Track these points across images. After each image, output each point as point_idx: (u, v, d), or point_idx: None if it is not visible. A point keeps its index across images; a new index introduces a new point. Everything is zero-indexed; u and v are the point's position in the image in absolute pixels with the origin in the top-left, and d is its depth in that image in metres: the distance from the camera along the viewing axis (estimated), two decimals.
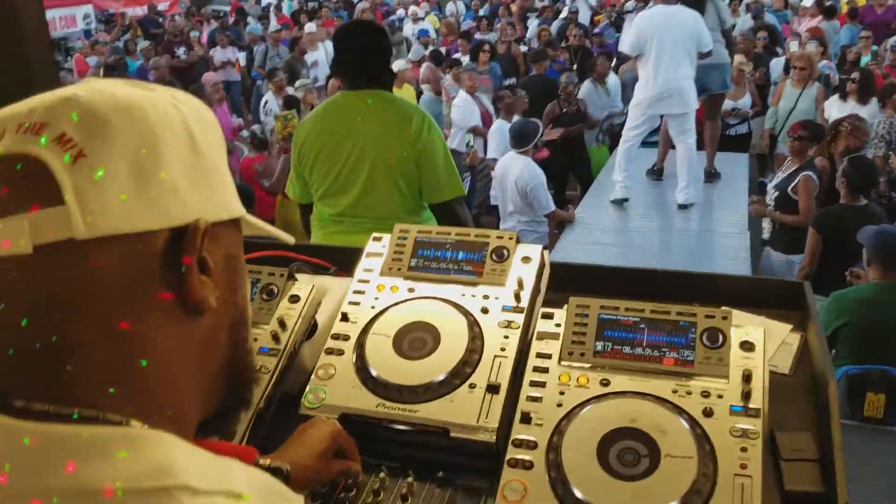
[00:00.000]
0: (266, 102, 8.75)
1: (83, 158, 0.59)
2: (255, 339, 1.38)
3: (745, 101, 8.12)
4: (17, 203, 0.59)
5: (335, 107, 3.05)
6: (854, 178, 4.64)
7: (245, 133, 7.77)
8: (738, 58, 7.99)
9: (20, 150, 0.60)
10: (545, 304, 1.47)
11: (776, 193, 5.40)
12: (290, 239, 0.87)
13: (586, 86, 8.34)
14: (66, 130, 0.60)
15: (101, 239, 0.59)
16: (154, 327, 0.63)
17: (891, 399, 3.36)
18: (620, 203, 6.69)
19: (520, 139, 5.87)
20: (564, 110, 7.84)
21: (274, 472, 0.98)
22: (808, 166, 5.30)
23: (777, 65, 9.24)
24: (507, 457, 1.17)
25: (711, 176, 7.16)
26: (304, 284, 1.47)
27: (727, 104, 7.92)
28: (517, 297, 1.40)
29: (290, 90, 8.54)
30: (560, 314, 1.34)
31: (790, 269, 5.37)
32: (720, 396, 1.18)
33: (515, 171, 5.78)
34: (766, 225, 5.58)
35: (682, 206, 6.53)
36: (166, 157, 0.64)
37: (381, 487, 1.25)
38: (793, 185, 5.25)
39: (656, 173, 7.38)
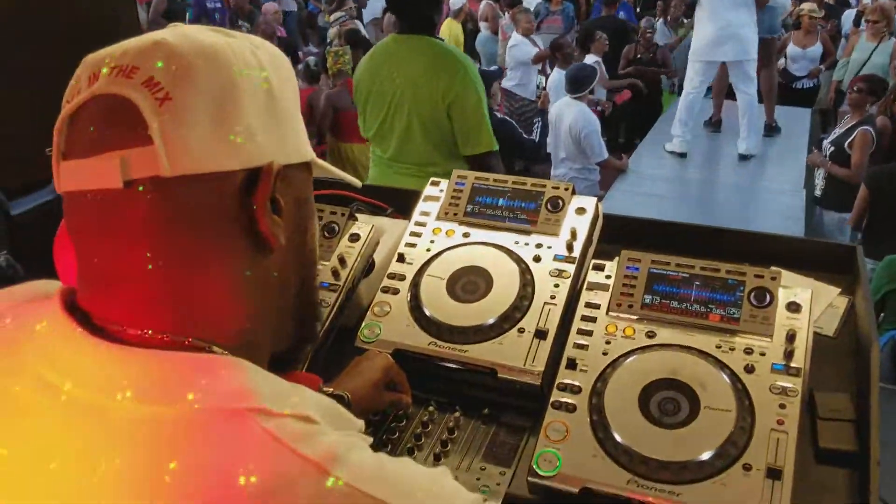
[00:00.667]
0: (330, 35, 8.77)
1: (169, 102, 0.64)
2: (316, 275, 1.45)
3: (815, 51, 7.85)
4: (110, 141, 0.63)
5: (383, 49, 3.03)
6: None
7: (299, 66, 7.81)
8: (808, 4, 7.70)
9: (113, 91, 0.64)
10: (596, 255, 1.51)
11: (832, 149, 5.29)
12: (356, 182, 0.92)
13: (659, 28, 8.17)
14: (155, 74, 0.64)
15: (183, 177, 0.64)
16: (231, 262, 0.69)
17: None
18: (677, 155, 6.61)
19: (575, 84, 5.81)
20: (639, 55, 7.69)
21: (336, 398, 1.05)
22: (866, 121, 5.17)
23: (848, 18, 8.90)
24: (552, 399, 1.22)
25: (771, 130, 7.00)
26: (364, 224, 1.53)
27: (796, 51, 7.68)
28: (569, 248, 1.44)
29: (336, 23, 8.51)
30: (611, 266, 1.37)
31: (841, 229, 5.29)
32: (763, 354, 1.21)
33: (570, 117, 5.73)
34: (819, 182, 5.49)
35: (743, 157, 6.44)
36: (244, 101, 0.68)
37: (430, 420, 1.32)
38: (849, 140, 5.14)
39: (714, 125, 7.25)
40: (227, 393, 0.62)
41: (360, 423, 0.72)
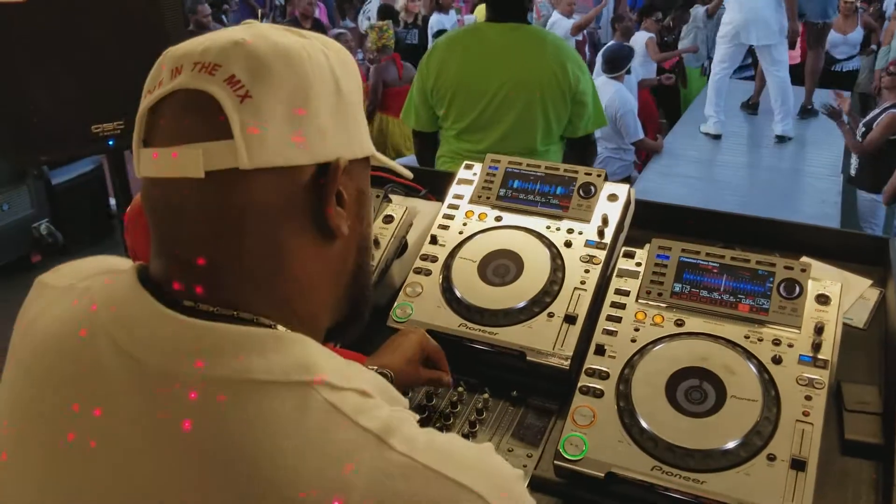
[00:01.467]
0: (367, 10, 8.76)
1: (249, 100, 0.68)
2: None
3: (856, 36, 7.70)
4: (193, 133, 0.68)
5: (477, 39, 2.87)
6: None
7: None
8: None
9: (197, 87, 0.68)
10: (627, 240, 1.52)
11: (863, 129, 5.21)
12: (408, 174, 0.97)
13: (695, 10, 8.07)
14: (236, 73, 0.68)
15: (259, 170, 0.68)
16: (297, 247, 0.73)
17: None
18: (712, 136, 6.55)
19: (612, 64, 5.77)
20: (664, 38, 7.61)
21: (381, 375, 1.09)
22: None
23: (892, 1, 8.70)
24: (580, 384, 1.25)
25: (807, 112, 6.91)
26: (398, 206, 1.55)
27: (836, 37, 7.54)
28: (601, 234, 1.46)
29: None
30: (641, 254, 1.39)
31: (874, 210, 5.22)
32: (790, 346, 1.22)
33: (606, 97, 5.68)
34: (854, 161, 5.41)
35: (780, 139, 6.37)
36: (316, 100, 0.72)
37: (459, 400, 1.35)
38: (878, 120, 5.07)
39: (751, 107, 7.16)
40: (293, 366, 0.67)
41: (406, 401, 0.77)
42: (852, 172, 5.46)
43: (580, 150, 2.94)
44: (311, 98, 0.72)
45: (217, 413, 0.64)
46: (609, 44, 6.49)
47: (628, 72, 5.89)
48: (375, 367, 1.13)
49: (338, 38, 6.86)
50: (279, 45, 0.71)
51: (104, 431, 0.67)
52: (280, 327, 0.72)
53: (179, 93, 0.69)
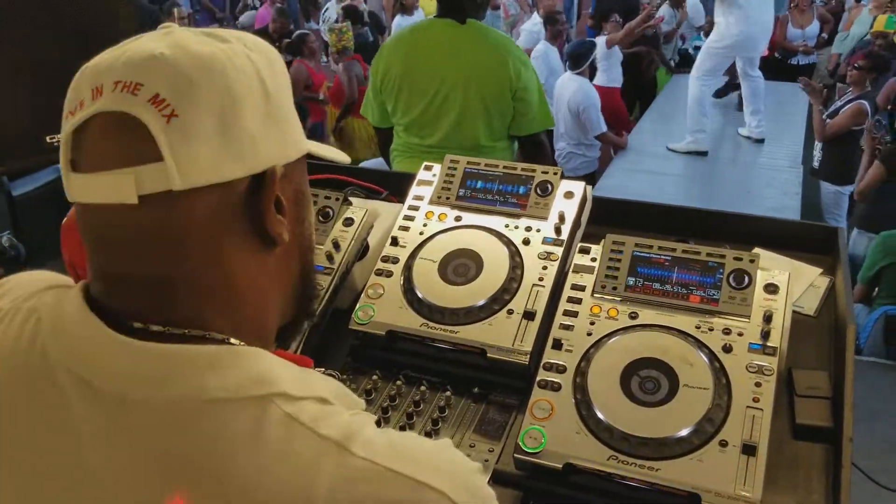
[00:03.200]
0: (327, 10, 8.75)
1: (175, 118, 0.67)
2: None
3: (813, 29, 7.84)
4: (122, 157, 0.67)
5: (424, 35, 2.94)
6: None
7: None
8: None
9: (121, 109, 0.67)
10: (585, 237, 1.55)
11: (828, 122, 5.32)
12: (345, 159, 0.94)
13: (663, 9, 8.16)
14: (160, 91, 0.67)
15: (193, 189, 0.68)
16: (240, 259, 0.73)
17: None
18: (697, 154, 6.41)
19: (575, 59, 5.84)
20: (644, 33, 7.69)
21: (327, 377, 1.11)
22: (865, 96, 5.19)
23: None
24: (538, 378, 1.27)
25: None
26: (358, 209, 1.57)
27: (794, 33, 7.67)
28: (558, 231, 1.48)
29: None
30: (596, 249, 1.42)
31: (838, 202, 5.33)
32: (740, 334, 1.26)
33: (570, 92, 5.76)
34: (817, 154, 5.52)
35: (758, 141, 6.40)
36: (244, 109, 0.71)
37: (422, 399, 1.37)
38: (844, 109, 5.19)
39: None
40: (249, 381, 0.68)
41: (362, 401, 0.79)
42: (815, 164, 5.57)
43: (529, 150, 2.96)
44: (239, 108, 0.70)
45: (177, 435, 0.65)
46: (574, 40, 6.55)
47: (592, 66, 5.95)
48: (322, 370, 1.14)
49: (302, 39, 6.86)
50: (200, 56, 0.70)
51: (63, 457, 0.68)
52: (233, 340, 0.72)
53: (103, 115, 0.67)
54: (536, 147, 2.97)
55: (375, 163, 4.68)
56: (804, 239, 1.69)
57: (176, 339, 0.70)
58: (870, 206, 4.70)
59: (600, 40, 6.82)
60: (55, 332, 0.72)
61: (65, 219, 1.33)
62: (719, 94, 7.25)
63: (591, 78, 6.45)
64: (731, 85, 7.02)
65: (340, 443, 0.66)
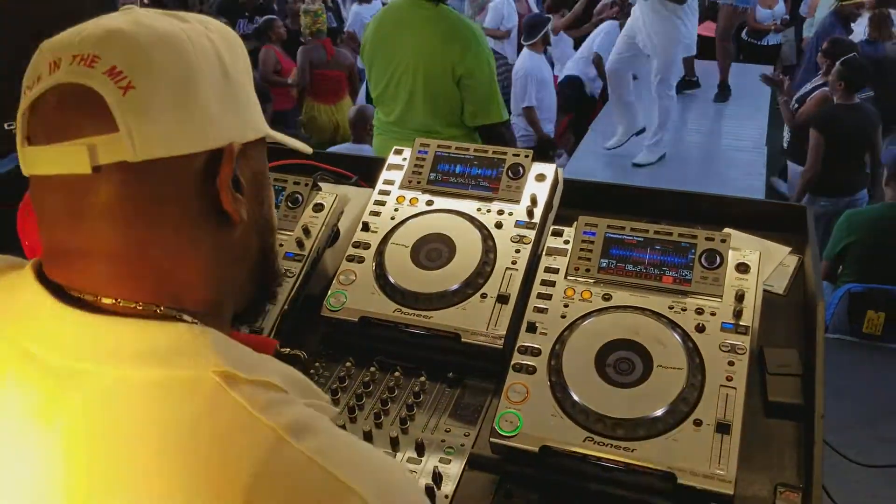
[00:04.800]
0: None
1: (132, 90, 0.67)
2: (281, 245, 1.48)
3: (780, 9, 7.92)
4: (77, 128, 0.67)
5: (393, 12, 3.00)
6: (849, 76, 4.66)
7: None
8: None
9: (78, 81, 0.67)
10: (557, 219, 1.55)
11: (795, 105, 5.39)
12: (307, 149, 0.95)
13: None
14: (116, 64, 0.67)
15: (150, 161, 0.67)
16: (196, 236, 0.73)
17: (890, 317, 3.46)
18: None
19: (527, 31, 5.92)
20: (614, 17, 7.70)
21: (293, 359, 1.10)
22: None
23: None
24: (513, 362, 1.27)
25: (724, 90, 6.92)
26: (328, 194, 1.55)
27: (763, 13, 7.73)
28: (530, 214, 1.48)
29: None
30: (569, 231, 1.41)
31: None
32: (713, 314, 1.26)
33: (518, 63, 5.88)
34: (786, 135, 5.59)
35: (638, 166, 6.00)
36: (202, 86, 0.71)
37: (396, 385, 1.36)
38: (812, 96, 5.26)
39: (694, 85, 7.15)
40: (198, 357, 0.67)
41: (326, 396, 0.77)
42: (785, 145, 5.64)
43: (486, 141, 2.92)
44: (197, 84, 0.71)
45: (120, 408, 0.65)
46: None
47: (548, 43, 5.98)
48: (287, 351, 1.13)
49: (269, 24, 6.77)
50: (159, 32, 0.70)
51: (14, 432, 0.67)
52: (186, 317, 0.71)
53: (60, 87, 0.67)
54: (492, 140, 2.92)
55: (344, 147, 4.65)
56: (773, 218, 1.70)
57: (128, 312, 0.69)
58: (822, 171, 4.83)
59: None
60: (6, 309, 0.71)
61: (21, 202, 1.30)
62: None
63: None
64: (688, 82, 7.01)
65: (281, 433, 0.64)
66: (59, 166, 0.67)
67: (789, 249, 1.62)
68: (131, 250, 0.70)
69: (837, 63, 4.80)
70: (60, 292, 0.70)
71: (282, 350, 1.17)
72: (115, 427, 0.64)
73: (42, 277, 0.71)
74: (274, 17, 7.25)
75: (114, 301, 0.69)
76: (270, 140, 0.84)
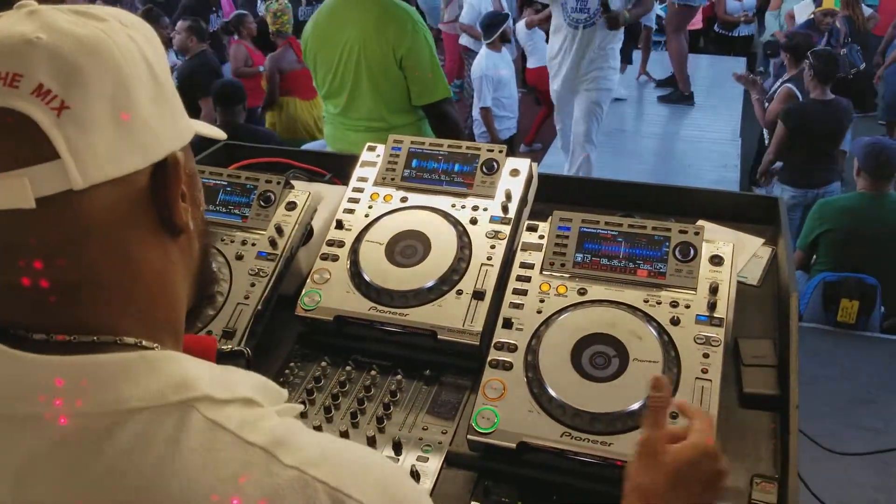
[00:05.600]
0: None
1: (67, 110, 0.60)
2: (254, 244, 1.46)
3: (750, 1, 7.98)
4: (13, 158, 0.59)
5: (327, 10, 3.03)
6: (819, 69, 4.70)
7: None
8: None
9: (4, 104, 0.60)
10: (532, 214, 1.55)
11: (767, 105, 5.44)
12: (220, 135, 0.85)
13: None
14: (43, 81, 0.60)
15: (94, 186, 0.62)
16: (147, 253, 0.68)
17: (864, 305, 3.50)
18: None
19: (485, 30, 5.93)
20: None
21: (237, 354, 1.07)
22: (796, 78, 5.30)
23: None
24: (489, 358, 1.26)
25: (685, 98, 6.78)
26: (301, 192, 1.53)
27: (733, 5, 7.78)
28: (504, 209, 1.47)
29: None
30: (544, 227, 1.41)
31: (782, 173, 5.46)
32: (687, 306, 1.27)
33: (476, 62, 5.91)
34: (765, 131, 5.63)
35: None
36: (135, 93, 0.65)
37: (373, 384, 1.35)
38: (777, 93, 5.31)
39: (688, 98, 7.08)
40: (169, 386, 0.63)
41: (284, 392, 0.74)
42: (765, 142, 5.67)
43: (433, 122, 3.00)
44: (130, 92, 0.65)
45: (90, 450, 0.59)
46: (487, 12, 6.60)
47: (503, 38, 5.98)
48: (228, 348, 1.09)
49: (240, 19, 6.70)
50: (81, 39, 0.63)
51: None
52: (146, 343, 0.67)
53: None
54: (438, 118, 2.99)
55: (318, 144, 4.62)
56: (746, 210, 1.71)
57: (85, 348, 0.63)
58: (787, 164, 4.87)
59: (520, 24, 6.88)
60: None
61: None
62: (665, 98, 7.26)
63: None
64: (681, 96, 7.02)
65: (268, 450, 0.62)
66: None
67: (762, 241, 1.63)
68: (80, 279, 0.64)
69: (809, 55, 4.83)
70: (5, 334, 0.63)
71: (222, 348, 1.14)
72: (91, 469, 0.59)
73: None
74: (245, 12, 7.18)
75: (68, 338, 0.63)
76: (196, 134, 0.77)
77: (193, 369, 0.65)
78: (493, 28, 5.85)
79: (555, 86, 4.96)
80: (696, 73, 6.89)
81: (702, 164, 5.69)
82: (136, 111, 0.65)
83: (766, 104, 5.42)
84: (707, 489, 0.92)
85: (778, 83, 5.58)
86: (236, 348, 1.09)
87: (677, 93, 6.94)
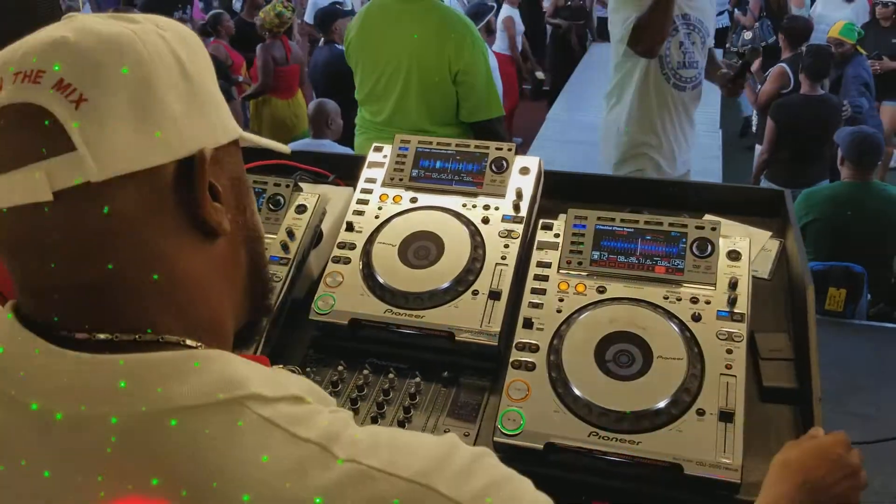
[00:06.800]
0: None
1: (85, 103, 0.61)
2: (266, 249, 1.43)
3: None
4: (30, 152, 0.60)
5: (380, 9, 2.86)
6: (811, 64, 4.73)
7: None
8: None
9: (24, 100, 0.61)
10: (539, 210, 1.54)
11: (759, 87, 5.49)
12: (284, 149, 0.89)
13: None
14: (63, 76, 0.61)
15: (114, 179, 0.61)
16: (179, 253, 0.67)
17: (851, 294, 3.53)
18: None
19: (470, 20, 5.88)
20: (569, 2, 7.68)
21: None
22: (790, 60, 5.35)
23: None
24: (511, 359, 1.26)
25: None
26: (310, 195, 1.51)
27: None
28: (516, 208, 1.47)
29: None
30: (558, 225, 1.40)
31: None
32: (708, 302, 1.27)
33: None
34: (755, 119, 5.69)
35: None
36: (161, 89, 0.65)
37: (391, 387, 1.34)
38: (768, 74, 5.37)
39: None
40: (218, 384, 0.62)
41: (333, 399, 0.73)
42: (754, 129, 5.73)
43: (479, 137, 2.74)
44: (154, 87, 0.65)
45: (144, 450, 0.59)
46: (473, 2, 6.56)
47: (491, 31, 5.94)
48: (281, 366, 1.08)
49: (217, 19, 6.63)
50: (106, 36, 0.64)
51: (16, 496, 0.61)
52: (189, 342, 0.66)
53: (6, 110, 0.61)
54: (485, 135, 2.75)
55: (304, 143, 4.58)
56: (750, 203, 1.72)
57: (127, 347, 0.63)
58: (775, 160, 4.91)
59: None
60: None
61: None
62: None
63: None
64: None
65: (323, 445, 0.61)
66: (15, 196, 0.61)
67: (770, 234, 1.63)
68: (112, 277, 0.63)
69: (804, 49, 4.86)
70: (48, 334, 0.63)
71: (275, 367, 1.13)
72: (146, 467, 0.59)
73: (25, 320, 0.65)
74: (222, 11, 7.11)
75: (110, 336, 0.63)
76: (245, 142, 0.78)
77: (241, 367, 0.65)
78: (479, 17, 5.82)
79: None
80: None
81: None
82: (161, 106, 0.65)
83: (759, 86, 5.47)
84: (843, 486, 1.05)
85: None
86: (289, 367, 1.07)
87: None
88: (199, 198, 0.67)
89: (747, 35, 7.17)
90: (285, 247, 1.44)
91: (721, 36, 8.16)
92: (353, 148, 3.23)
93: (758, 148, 5.65)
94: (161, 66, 0.65)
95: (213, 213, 0.68)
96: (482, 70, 2.76)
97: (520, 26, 7.47)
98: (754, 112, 5.69)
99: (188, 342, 0.66)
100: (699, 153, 5.71)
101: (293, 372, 1.11)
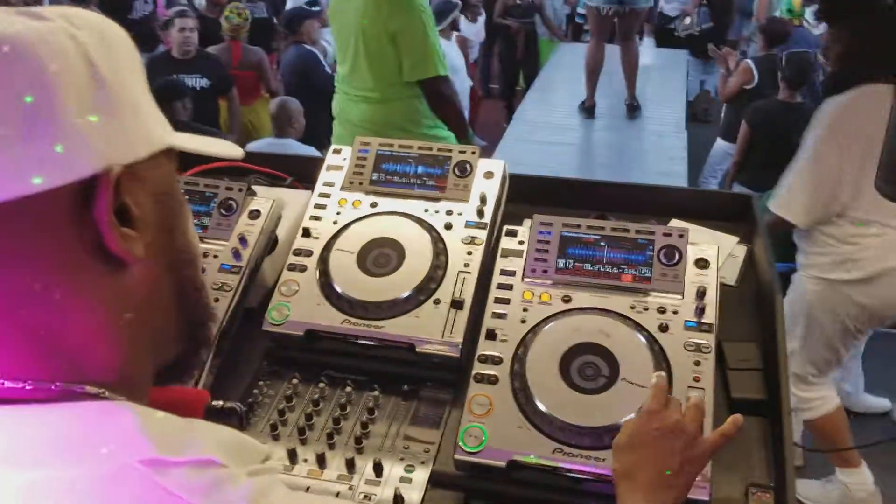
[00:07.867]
0: None
1: None
2: (216, 256, 1.37)
3: None
4: None
5: None
6: (788, 71, 4.74)
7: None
8: None
9: None
10: (503, 217, 1.49)
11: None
12: (237, 152, 0.77)
13: None
14: None
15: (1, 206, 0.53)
16: (79, 290, 0.58)
17: None
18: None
19: (435, 17, 5.83)
20: (518, 1, 7.65)
21: (229, 412, 0.98)
22: (760, 58, 5.38)
23: None
24: (474, 372, 1.21)
25: (633, 110, 6.46)
26: (264, 199, 1.45)
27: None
28: (480, 213, 1.42)
29: None
30: (523, 231, 1.36)
31: (724, 159, 5.53)
32: (675, 312, 1.23)
33: None
34: (723, 115, 5.71)
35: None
36: (61, 98, 0.56)
37: (349, 401, 1.28)
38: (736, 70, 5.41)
39: (587, 110, 6.77)
40: (111, 448, 0.54)
41: (266, 449, 0.65)
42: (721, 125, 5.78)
43: (428, 101, 3.01)
44: (54, 97, 0.55)
45: None
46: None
47: (456, 29, 5.91)
48: (220, 404, 0.99)
49: (182, 14, 6.48)
50: (3, 36, 0.54)
51: None
52: (89, 389, 0.58)
53: None
54: (433, 97, 3.00)
55: (267, 143, 4.49)
56: (717, 208, 1.69)
57: (8, 396, 0.55)
58: (748, 164, 4.92)
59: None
60: None
61: None
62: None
63: None
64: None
65: None
66: None
67: (737, 239, 1.61)
68: (3, 320, 0.55)
69: (782, 56, 4.86)
70: None
71: (214, 404, 1.04)
72: None
73: None
74: (185, 7, 6.96)
75: None
76: (179, 150, 0.67)
77: (143, 424, 0.56)
78: (443, 15, 5.77)
79: None
80: (639, 65, 6.91)
81: (649, 156, 5.72)
82: (56, 118, 0.55)
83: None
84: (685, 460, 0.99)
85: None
86: (227, 405, 0.99)
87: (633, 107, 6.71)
88: (101, 223, 0.57)
89: (686, 21, 7.69)
90: (237, 254, 1.37)
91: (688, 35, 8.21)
92: (317, 147, 3.33)
93: (719, 142, 5.67)
94: (65, 71, 0.56)
95: (119, 241, 0.58)
96: (419, 29, 2.89)
97: (478, 37, 7.46)
98: (724, 112, 5.72)
99: (88, 388, 0.58)
100: (664, 155, 5.74)
101: (233, 410, 1.03)
